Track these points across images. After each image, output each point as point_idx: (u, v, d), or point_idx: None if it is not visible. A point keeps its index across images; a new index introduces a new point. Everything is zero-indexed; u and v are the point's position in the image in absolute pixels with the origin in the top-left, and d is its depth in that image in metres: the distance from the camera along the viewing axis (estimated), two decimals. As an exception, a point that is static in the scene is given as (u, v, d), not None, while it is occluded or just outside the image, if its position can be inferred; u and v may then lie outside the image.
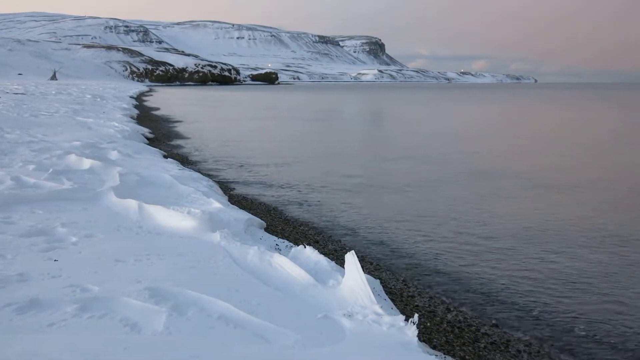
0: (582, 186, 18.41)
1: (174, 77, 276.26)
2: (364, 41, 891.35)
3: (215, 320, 5.92)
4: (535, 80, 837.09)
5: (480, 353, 7.30)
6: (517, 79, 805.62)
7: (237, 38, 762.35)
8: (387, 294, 8.30)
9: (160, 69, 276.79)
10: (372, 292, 6.93)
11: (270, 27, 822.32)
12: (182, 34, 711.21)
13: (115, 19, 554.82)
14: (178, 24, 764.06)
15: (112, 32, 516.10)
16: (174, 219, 9.89)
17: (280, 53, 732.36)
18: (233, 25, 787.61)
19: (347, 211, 14.79)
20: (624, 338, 7.82)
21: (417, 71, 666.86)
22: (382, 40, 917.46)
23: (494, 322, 8.27)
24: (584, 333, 7.96)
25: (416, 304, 8.78)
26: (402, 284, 9.67)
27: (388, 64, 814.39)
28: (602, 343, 7.69)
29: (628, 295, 9.31)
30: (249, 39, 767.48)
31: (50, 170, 13.82)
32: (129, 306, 6.11)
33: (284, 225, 12.97)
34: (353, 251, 7.40)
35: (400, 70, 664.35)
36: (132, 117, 40.42)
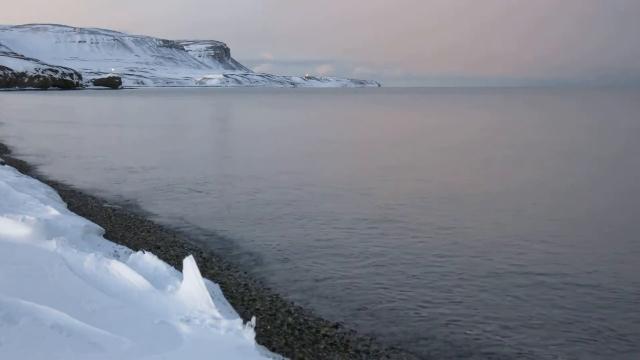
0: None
1: (13, 82, 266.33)
2: (209, 45, 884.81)
3: (48, 329, 5.77)
4: (379, 85, 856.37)
5: (320, 354, 7.44)
6: (361, 83, 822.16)
7: (79, 42, 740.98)
8: (228, 298, 8.34)
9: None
10: (211, 296, 6.95)
11: (113, 31, 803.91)
12: (21, 38, 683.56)
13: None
14: (17, 27, 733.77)
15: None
16: (7, 227, 9.55)
17: (124, 57, 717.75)
18: (75, 28, 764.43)
19: (191, 217, 14.71)
20: (458, 335, 8.17)
21: (262, 76, 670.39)
22: (227, 45, 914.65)
23: (334, 323, 8.44)
24: (422, 332, 8.25)
25: (257, 307, 8.84)
26: (244, 287, 9.72)
27: (233, 69, 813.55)
28: (437, 340, 8.00)
29: (460, 289, 9.72)
30: (92, 43, 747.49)
31: None
32: (-45, 318, 5.87)
33: (124, 232, 12.77)
34: (191, 256, 7.40)
35: (246, 74, 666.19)
36: (-35, 124, 38.87)
